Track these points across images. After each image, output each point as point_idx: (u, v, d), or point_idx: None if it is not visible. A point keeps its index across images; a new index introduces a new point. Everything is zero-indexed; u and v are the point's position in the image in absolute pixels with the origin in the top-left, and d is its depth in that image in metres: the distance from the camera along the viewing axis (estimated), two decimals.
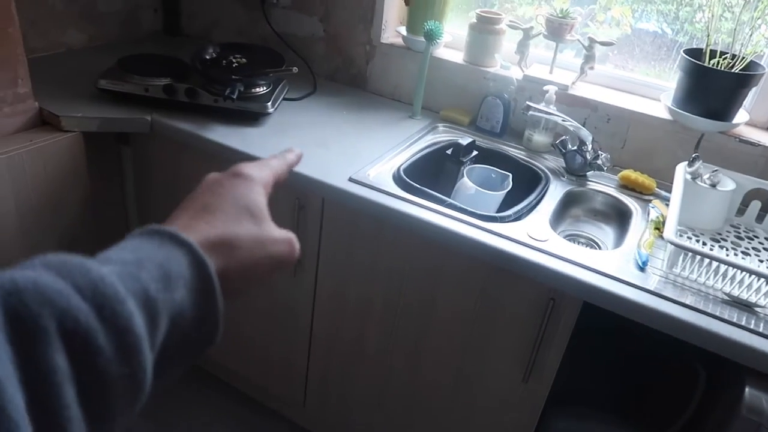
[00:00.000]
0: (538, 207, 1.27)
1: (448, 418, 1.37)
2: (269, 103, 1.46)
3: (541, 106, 1.41)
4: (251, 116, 1.47)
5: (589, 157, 1.39)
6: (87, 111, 1.40)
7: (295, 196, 1.31)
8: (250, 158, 1.29)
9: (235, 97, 1.38)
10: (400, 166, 1.34)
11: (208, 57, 1.54)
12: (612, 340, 1.34)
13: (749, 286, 1.03)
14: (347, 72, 1.79)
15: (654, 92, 1.51)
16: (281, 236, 0.44)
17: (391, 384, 1.42)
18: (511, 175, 1.37)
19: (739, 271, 1.04)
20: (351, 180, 1.26)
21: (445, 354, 1.30)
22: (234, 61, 1.53)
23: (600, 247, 1.31)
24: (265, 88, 1.51)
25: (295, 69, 1.45)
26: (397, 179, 1.30)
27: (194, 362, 0.39)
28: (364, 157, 1.37)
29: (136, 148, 1.55)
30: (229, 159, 1.36)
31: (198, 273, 0.37)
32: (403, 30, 1.67)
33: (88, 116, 1.39)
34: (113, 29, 1.89)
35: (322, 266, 1.37)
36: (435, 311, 1.27)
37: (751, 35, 1.32)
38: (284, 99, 1.59)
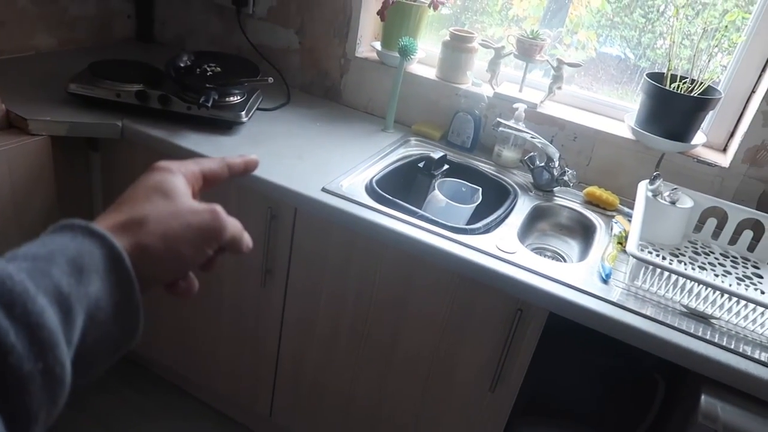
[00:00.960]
0: (507, 220, 1.31)
1: (416, 428, 1.38)
2: (243, 113, 1.46)
3: (511, 123, 1.45)
4: (225, 125, 1.47)
5: (556, 174, 1.43)
6: (56, 115, 1.38)
7: (267, 206, 1.32)
8: None
9: (209, 105, 1.38)
10: (373, 177, 1.36)
11: (182, 65, 1.54)
12: (577, 351, 1.37)
13: (706, 298, 1.07)
14: (322, 84, 1.80)
15: (618, 113, 1.57)
16: (201, 206, 0.43)
17: (359, 396, 1.42)
18: (480, 189, 1.40)
19: (696, 285, 1.09)
20: (324, 190, 1.27)
21: (414, 364, 1.31)
22: (208, 69, 1.53)
23: (565, 260, 1.35)
24: (239, 97, 1.51)
25: (270, 79, 1.46)
26: (370, 190, 1.31)
27: (119, 356, 0.39)
28: (338, 168, 1.38)
29: (105, 154, 1.53)
30: None
31: (112, 263, 0.36)
32: (378, 45, 1.70)
33: (56, 120, 1.37)
34: (85, 34, 1.87)
35: (293, 276, 1.37)
36: (405, 321, 1.28)
37: (708, 62, 1.38)
38: (258, 109, 1.60)
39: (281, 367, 1.52)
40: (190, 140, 1.39)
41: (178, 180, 0.44)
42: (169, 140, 1.37)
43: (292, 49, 1.80)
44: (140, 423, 1.72)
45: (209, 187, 0.48)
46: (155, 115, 1.45)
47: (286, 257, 1.36)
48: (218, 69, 1.54)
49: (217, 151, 1.35)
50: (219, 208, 0.44)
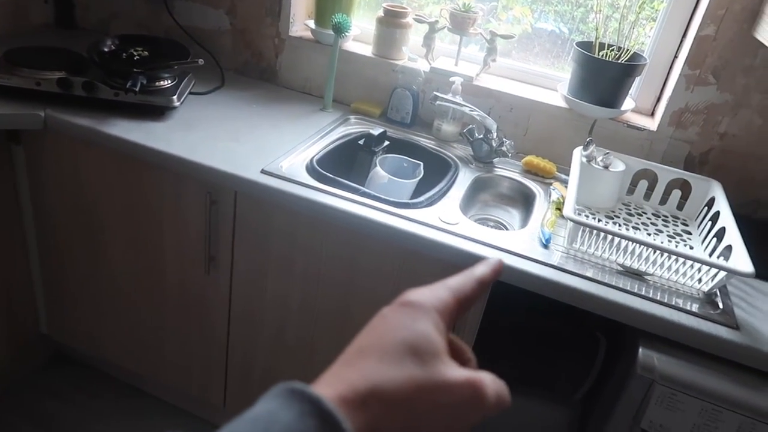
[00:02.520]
0: (449, 193, 1.32)
1: None
2: (175, 97, 1.41)
3: (449, 97, 1.46)
4: (156, 110, 1.41)
5: (494, 145, 1.45)
6: None
7: (206, 191, 1.28)
8: (155, 154, 1.26)
9: (137, 89, 1.33)
10: (313, 157, 1.34)
11: (106, 49, 1.47)
12: (521, 319, 1.41)
13: (639, 256, 1.12)
14: (256, 66, 1.76)
15: (552, 83, 1.61)
16: (459, 379, 0.34)
17: (315, 375, 1.42)
18: (422, 163, 1.41)
19: (631, 244, 1.13)
20: (264, 172, 1.25)
21: None
22: (135, 53, 1.47)
23: (507, 229, 1.37)
24: (169, 81, 1.46)
25: (201, 61, 1.41)
26: (311, 170, 1.30)
27: None
28: (277, 149, 1.36)
29: (28, 146, 1.45)
30: (134, 155, 1.30)
31: None
32: (311, 23, 1.67)
33: None
34: None
35: (238, 261, 1.35)
36: (354, 298, 1.28)
37: (632, 30, 1.43)
38: (191, 93, 1.55)
39: (232, 355, 1.50)
40: (120, 127, 1.33)
41: (431, 328, 0.35)
42: (97, 128, 1.31)
43: (223, 30, 1.75)
44: (94, 426, 1.66)
45: (463, 314, 0.39)
46: (80, 103, 1.38)
47: (229, 242, 1.33)
48: (146, 53, 1.48)
49: (149, 138, 1.30)
50: (482, 382, 0.34)
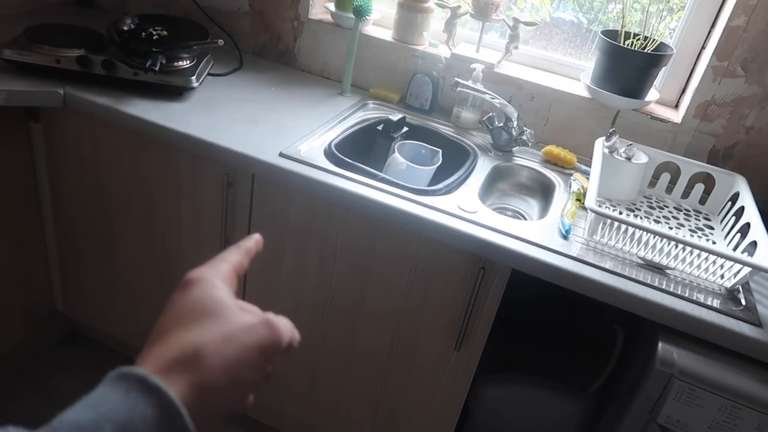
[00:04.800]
0: (467, 181, 1.30)
1: (382, 388, 1.39)
2: (194, 77, 1.40)
3: (469, 84, 1.44)
4: (174, 90, 1.41)
5: (514, 134, 1.43)
6: None
7: (224, 173, 1.28)
8: (174, 134, 1.26)
9: (156, 69, 1.32)
10: (332, 141, 1.33)
11: (125, 28, 1.46)
12: (540, 308, 1.40)
13: (661, 250, 1.10)
14: (275, 48, 1.75)
15: (574, 72, 1.58)
16: (253, 320, 0.39)
17: (325, 361, 1.42)
18: (440, 150, 1.39)
19: (652, 237, 1.11)
20: (282, 155, 1.24)
21: (379, 325, 1.31)
22: (154, 33, 1.46)
23: (526, 219, 1.36)
24: (188, 62, 1.45)
25: (220, 41, 1.40)
26: (329, 154, 1.29)
27: None
28: (295, 133, 1.35)
29: (47, 125, 1.45)
30: (152, 135, 1.30)
31: (169, 424, 0.32)
32: (331, 6, 1.65)
33: None
34: None
35: None
36: (369, 283, 1.27)
37: (659, 24, 1.40)
38: (209, 74, 1.54)
39: None
40: (138, 107, 1.32)
41: (221, 292, 0.40)
42: (116, 107, 1.31)
43: (242, 11, 1.73)
44: None
45: (239, 282, 0.45)
46: (99, 81, 1.37)
47: (245, 225, 1.33)
48: (165, 32, 1.47)
49: (167, 118, 1.29)
50: (272, 317, 0.40)
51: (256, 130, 1.33)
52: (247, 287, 1.41)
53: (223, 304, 0.39)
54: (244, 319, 0.39)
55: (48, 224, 1.61)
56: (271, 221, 1.30)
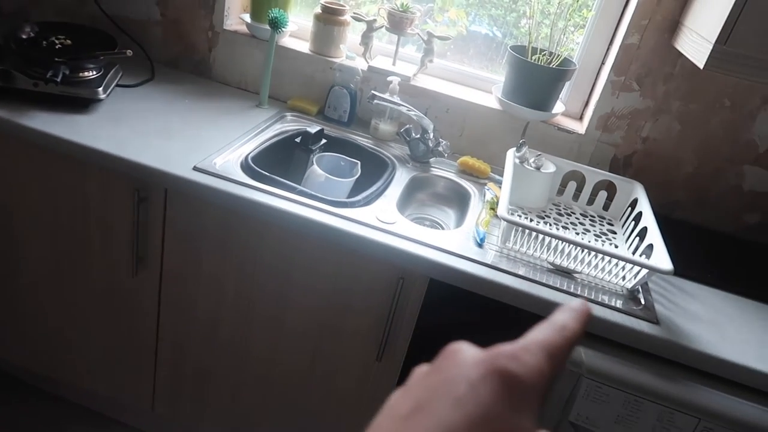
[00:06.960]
0: (386, 192, 1.32)
1: (306, 403, 1.37)
2: (100, 89, 1.35)
3: (386, 96, 1.46)
4: (80, 102, 1.34)
5: (431, 145, 1.47)
6: None
7: (135, 187, 1.23)
8: (79, 148, 1.20)
9: (58, 80, 1.25)
10: (248, 154, 1.31)
11: (24, 36, 1.38)
12: (457, 316, 1.43)
13: (569, 255, 1.16)
14: (190, 59, 1.70)
15: (487, 85, 1.64)
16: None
17: (247, 378, 1.39)
18: (359, 162, 1.40)
19: (561, 242, 1.17)
20: (196, 169, 1.21)
21: (302, 341, 1.30)
22: (57, 42, 1.39)
23: (443, 228, 1.39)
24: (95, 72, 1.39)
25: (129, 52, 1.35)
26: (246, 168, 1.27)
27: None
28: (210, 146, 1.32)
29: None
30: (55, 150, 1.23)
31: None
32: (247, 17, 1.63)
33: None
34: None
35: (168, 261, 1.30)
36: (290, 298, 1.26)
37: (562, 37, 1.48)
38: (118, 85, 1.48)
39: (161, 358, 1.44)
40: (40, 120, 1.25)
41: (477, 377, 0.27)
42: (15, 120, 1.23)
43: (153, 20, 1.68)
44: None
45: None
46: None
47: (159, 242, 1.28)
48: (68, 41, 1.40)
49: (73, 131, 1.23)
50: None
51: (168, 143, 1.29)
52: (161, 304, 1.36)
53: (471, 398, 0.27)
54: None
55: None
56: (186, 237, 1.26)
